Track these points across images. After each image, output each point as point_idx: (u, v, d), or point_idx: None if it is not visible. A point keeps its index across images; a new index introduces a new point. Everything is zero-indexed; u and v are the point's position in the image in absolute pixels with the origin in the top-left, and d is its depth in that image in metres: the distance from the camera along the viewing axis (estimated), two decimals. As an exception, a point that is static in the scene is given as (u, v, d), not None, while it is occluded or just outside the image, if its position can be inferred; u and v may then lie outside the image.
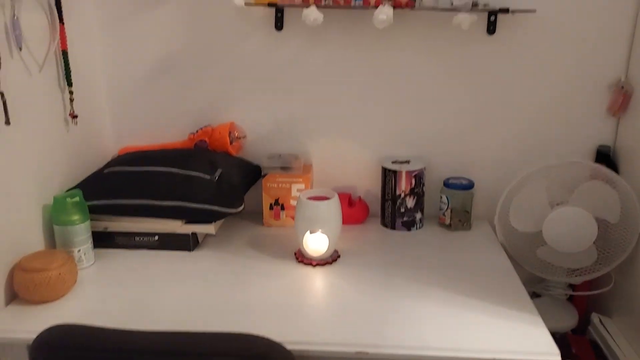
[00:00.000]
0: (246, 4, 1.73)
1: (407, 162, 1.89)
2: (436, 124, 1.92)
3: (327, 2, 1.71)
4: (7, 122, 1.41)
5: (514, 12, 1.69)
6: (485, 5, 1.72)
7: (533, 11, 1.72)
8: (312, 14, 1.67)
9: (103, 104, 1.96)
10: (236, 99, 1.94)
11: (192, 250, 1.70)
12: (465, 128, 1.92)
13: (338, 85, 1.91)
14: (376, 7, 1.67)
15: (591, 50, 1.80)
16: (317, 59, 1.89)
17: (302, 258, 1.64)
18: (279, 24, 1.83)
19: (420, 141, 1.95)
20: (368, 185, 2.01)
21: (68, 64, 1.67)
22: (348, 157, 1.98)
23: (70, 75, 1.68)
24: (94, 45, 1.89)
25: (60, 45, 1.64)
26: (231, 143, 1.88)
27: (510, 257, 1.72)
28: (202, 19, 1.87)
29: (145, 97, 1.96)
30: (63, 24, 1.63)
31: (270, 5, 1.73)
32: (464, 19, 1.65)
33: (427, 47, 1.84)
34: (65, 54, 1.66)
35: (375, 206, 2.02)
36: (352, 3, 1.71)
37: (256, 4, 1.74)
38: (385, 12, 1.64)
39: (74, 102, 1.71)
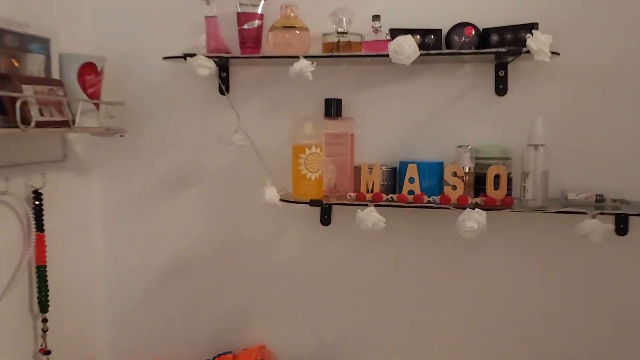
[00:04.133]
0: (282, 200, 1.31)
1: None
2: (540, 355, 1.35)
3: (389, 198, 1.27)
4: None
5: (661, 215, 1.18)
6: (614, 201, 1.23)
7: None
8: (370, 218, 1.22)
9: (99, 324, 1.56)
10: (267, 313, 1.51)
11: None
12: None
13: (400, 299, 1.43)
14: (461, 207, 1.21)
15: None
16: (373, 263, 1.44)
17: None
18: (325, 217, 1.40)
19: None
20: None
21: (45, 283, 1.26)
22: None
23: (47, 298, 1.27)
24: (86, 253, 1.50)
25: (35, 259, 1.25)
26: (258, 378, 1.38)
27: None
28: (226, 212, 1.49)
29: (149, 312, 1.56)
30: (43, 232, 1.25)
31: (313, 203, 1.30)
32: (594, 229, 1.13)
33: (527, 256, 1.34)
34: (41, 269, 1.26)
35: None
36: (425, 200, 1.25)
37: (295, 202, 1.32)
38: (475, 219, 1.16)
39: (49, 333, 1.28)
